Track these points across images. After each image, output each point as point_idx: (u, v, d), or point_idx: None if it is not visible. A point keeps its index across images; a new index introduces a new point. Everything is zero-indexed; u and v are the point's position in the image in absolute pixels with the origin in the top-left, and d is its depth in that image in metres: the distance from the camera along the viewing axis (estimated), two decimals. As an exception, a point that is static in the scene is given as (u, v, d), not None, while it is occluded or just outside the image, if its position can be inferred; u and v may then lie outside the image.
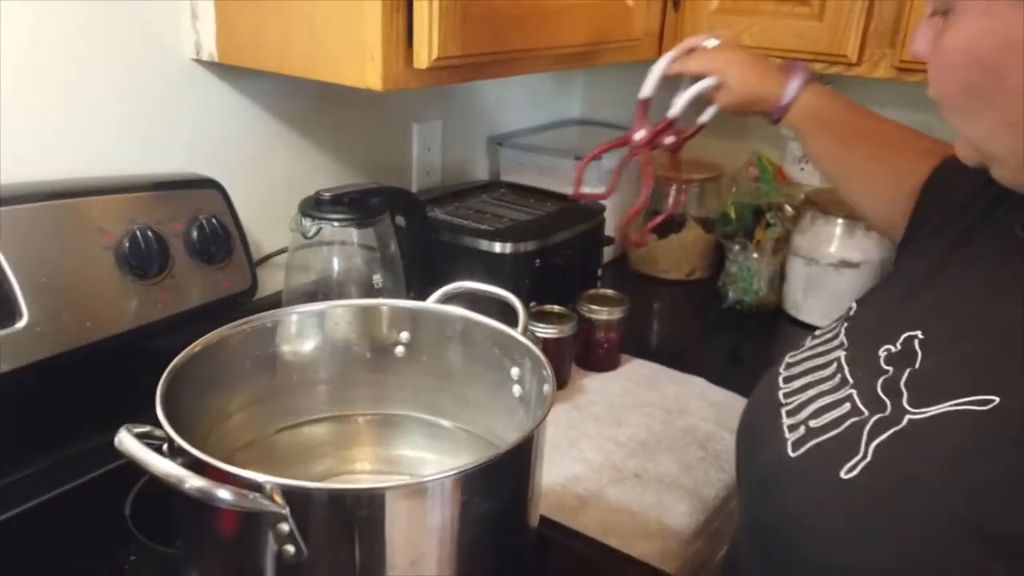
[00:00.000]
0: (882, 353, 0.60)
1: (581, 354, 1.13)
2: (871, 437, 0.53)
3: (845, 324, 0.69)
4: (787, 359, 0.71)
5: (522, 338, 0.66)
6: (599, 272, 1.31)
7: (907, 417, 0.52)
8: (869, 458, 0.52)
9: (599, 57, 1.09)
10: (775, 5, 1.14)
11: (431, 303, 0.71)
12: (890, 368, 0.57)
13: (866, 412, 0.56)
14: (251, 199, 1.06)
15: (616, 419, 1.02)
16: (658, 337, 1.36)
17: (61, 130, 0.89)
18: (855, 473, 0.52)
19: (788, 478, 0.58)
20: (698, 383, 1.11)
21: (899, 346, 0.59)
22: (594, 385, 1.10)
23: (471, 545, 0.55)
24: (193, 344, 0.60)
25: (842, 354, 0.65)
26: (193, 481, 0.46)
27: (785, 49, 1.11)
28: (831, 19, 1.09)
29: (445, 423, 0.72)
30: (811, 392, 0.63)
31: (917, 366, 0.55)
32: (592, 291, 1.17)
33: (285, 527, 0.48)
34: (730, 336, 1.34)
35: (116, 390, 0.87)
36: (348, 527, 0.50)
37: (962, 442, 0.49)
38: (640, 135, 0.91)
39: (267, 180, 1.11)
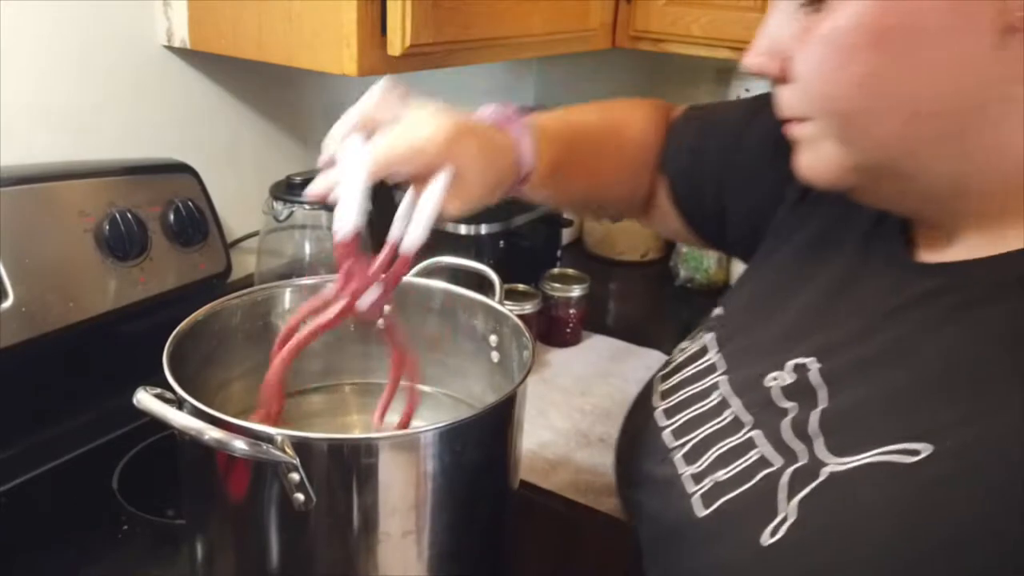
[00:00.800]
0: (770, 383, 0.53)
1: (545, 331, 1.19)
2: (791, 493, 0.46)
3: (714, 336, 0.63)
4: (659, 386, 0.63)
5: (500, 307, 0.71)
6: (558, 253, 1.36)
7: (825, 469, 0.46)
8: (793, 517, 0.46)
9: (556, 46, 1.14)
10: (722, -2, 1.20)
11: (411, 277, 0.75)
12: (792, 405, 0.50)
13: (777, 463, 0.49)
14: (223, 183, 1.08)
15: (581, 390, 1.08)
16: (616, 315, 1.42)
17: (33, 116, 0.90)
18: (779, 536, 0.45)
19: (697, 540, 0.51)
20: (656, 356, 1.18)
21: (790, 375, 0.52)
22: (558, 360, 1.16)
23: (460, 497, 0.59)
24: (197, 312, 0.64)
25: (722, 379, 0.58)
26: (212, 432, 0.50)
27: (734, 39, 1.17)
28: (774, 11, 1.16)
29: (428, 389, 0.76)
30: (703, 432, 0.56)
31: (827, 404, 0.49)
32: (555, 270, 1.23)
33: (296, 476, 0.52)
34: (683, 311, 1.41)
35: (99, 369, 0.89)
36: (349, 476, 0.54)
37: (890, 496, 0.43)
38: (372, 296, 0.55)
39: (238, 165, 1.14)
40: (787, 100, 0.50)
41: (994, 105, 0.44)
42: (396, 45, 0.85)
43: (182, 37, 0.97)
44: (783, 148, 0.54)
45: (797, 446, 0.48)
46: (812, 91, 0.47)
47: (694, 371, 0.62)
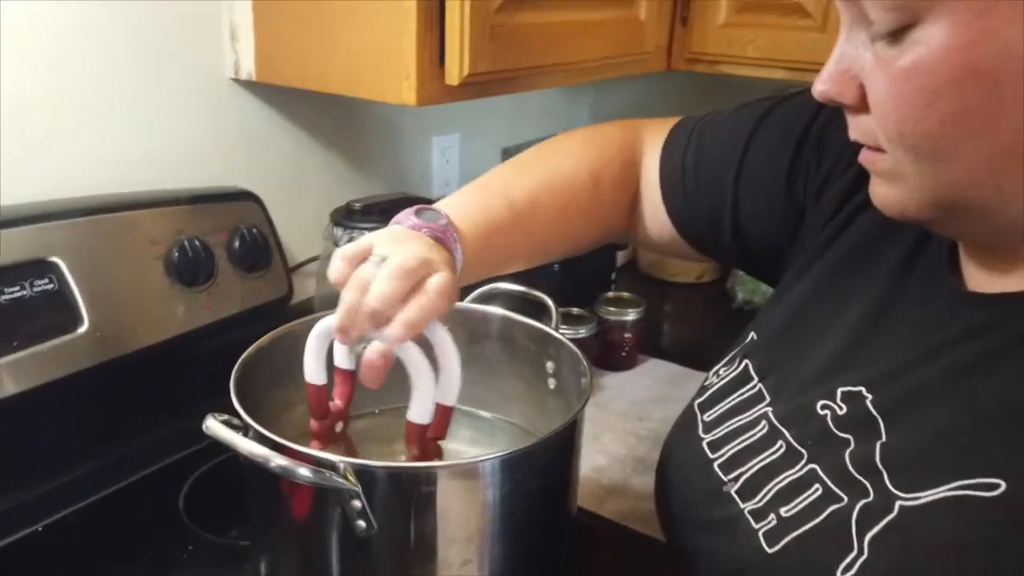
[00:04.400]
0: (823, 411, 0.52)
1: (600, 354, 1.18)
2: (862, 529, 0.46)
3: (750, 364, 0.62)
4: (702, 416, 0.63)
5: (557, 334, 0.71)
6: (613, 276, 1.36)
7: (898, 504, 0.45)
8: (866, 554, 0.45)
9: (612, 70, 1.14)
10: (779, 18, 1.19)
11: (470, 303, 0.76)
12: (849, 437, 0.50)
13: (845, 497, 0.48)
14: (285, 210, 1.11)
15: (637, 414, 1.07)
16: (672, 338, 1.41)
17: (107, 146, 0.94)
18: (853, 572, 0.45)
19: None
20: (713, 380, 1.17)
21: (842, 405, 0.51)
22: (614, 383, 1.15)
23: (521, 525, 0.59)
24: (262, 339, 0.65)
25: (768, 410, 0.57)
26: (278, 460, 0.51)
27: (791, 60, 1.16)
28: (833, 30, 1.15)
29: (486, 415, 0.77)
30: (755, 464, 0.55)
31: (885, 438, 0.48)
32: (609, 294, 1.22)
33: (357, 503, 0.53)
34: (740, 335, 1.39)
35: (167, 391, 0.92)
36: (410, 504, 0.55)
37: (968, 531, 0.42)
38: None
39: (300, 191, 1.17)
40: (863, 130, 0.47)
41: None
42: (454, 75, 0.86)
43: (248, 70, 1.00)
44: (800, 162, 0.58)
45: (863, 481, 0.48)
46: (892, 128, 0.44)
47: (737, 401, 0.61)
